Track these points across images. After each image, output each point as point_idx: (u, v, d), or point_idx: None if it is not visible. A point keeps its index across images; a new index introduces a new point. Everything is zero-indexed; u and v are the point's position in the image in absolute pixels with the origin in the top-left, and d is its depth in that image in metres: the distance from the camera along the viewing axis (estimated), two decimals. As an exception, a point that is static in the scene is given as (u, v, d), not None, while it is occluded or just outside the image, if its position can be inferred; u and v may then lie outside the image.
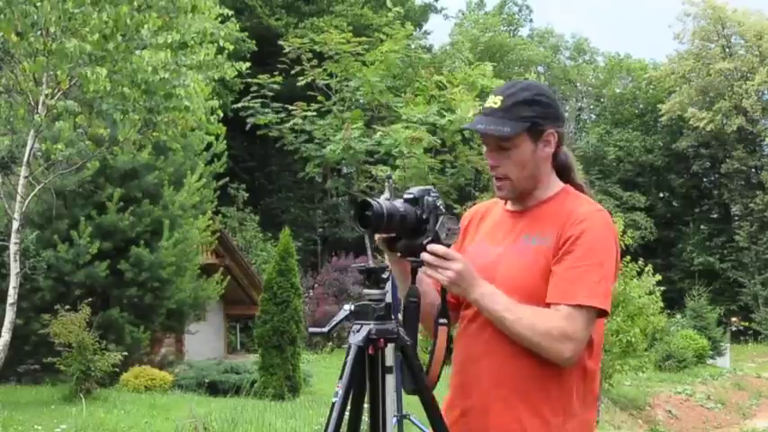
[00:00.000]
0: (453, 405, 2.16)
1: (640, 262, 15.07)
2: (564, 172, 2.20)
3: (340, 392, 1.89)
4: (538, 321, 1.94)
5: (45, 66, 7.44)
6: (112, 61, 7.51)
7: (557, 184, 2.17)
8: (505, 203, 2.18)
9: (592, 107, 50.08)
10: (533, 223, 2.09)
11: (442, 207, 2.03)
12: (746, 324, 35.10)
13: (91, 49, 7.20)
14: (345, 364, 1.91)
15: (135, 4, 7.50)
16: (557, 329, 1.92)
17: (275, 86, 8.34)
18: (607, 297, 1.98)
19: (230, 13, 8.77)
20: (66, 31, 7.37)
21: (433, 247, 1.94)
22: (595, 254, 2.00)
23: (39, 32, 7.50)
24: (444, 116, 8.12)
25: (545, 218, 2.08)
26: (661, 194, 44.19)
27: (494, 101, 2.04)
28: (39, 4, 7.14)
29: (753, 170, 40.32)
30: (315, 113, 8.43)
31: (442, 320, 2.04)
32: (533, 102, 2.04)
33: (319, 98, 8.60)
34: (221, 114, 9.67)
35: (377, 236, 2.01)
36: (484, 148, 2.13)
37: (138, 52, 7.78)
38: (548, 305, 1.95)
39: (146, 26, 7.45)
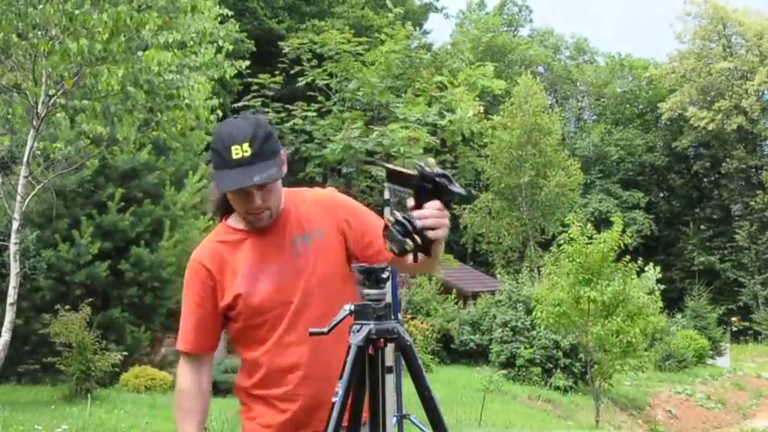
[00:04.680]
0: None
1: (640, 261, 15.07)
2: None
3: (340, 392, 1.89)
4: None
5: (54, 66, 7.44)
6: (114, 61, 7.51)
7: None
8: (233, 232, 2.25)
9: (592, 106, 50.08)
10: (294, 228, 2.22)
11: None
12: (746, 324, 35.10)
13: (100, 48, 7.21)
14: (345, 364, 1.91)
15: (135, 4, 7.50)
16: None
17: (275, 86, 8.35)
18: None
19: (230, 13, 8.75)
20: (65, 31, 7.37)
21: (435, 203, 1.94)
22: (358, 205, 2.33)
23: (39, 34, 7.50)
24: (445, 116, 8.13)
25: (300, 220, 2.24)
26: (662, 194, 44.21)
27: (243, 150, 2.04)
28: (40, 6, 7.15)
29: (753, 170, 40.33)
30: (315, 113, 8.45)
31: None
32: (269, 135, 2.11)
33: (319, 98, 8.61)
34: (221, 114, 9.66)
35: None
36: (230, 194, 2.13)
37: (139, 53, 7.78)
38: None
39: (146, 26, 7.45)
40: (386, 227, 1.92)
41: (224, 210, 2.29)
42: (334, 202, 2.30)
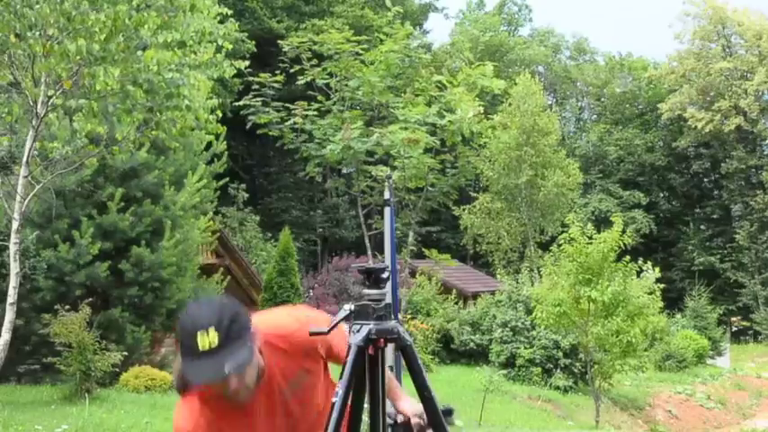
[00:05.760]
0: None
1: (640, 261, 15.06)
2: None
3: (340, 392, 1.89)
4: None
5: (51, 66, 7.43)
6: (112, 61, 7.50)
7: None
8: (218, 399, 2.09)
9: (592, 106, 50.07)
10: (281, 382, 2.15)
11: None
12: (746, 324, 35.10)
13: (98, 48, 7.20)
14: (345, 363, 1.91)
15: (134, 3, 7.50)
16: None
17: (275, 86, 8.34)
18: None
19: (229, 12, 8.75)
20: (63, 31, 7.36)
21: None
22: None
23: (37, 34, 7.49)
24: (444, 116, 8.12)
25: (279, 370, 2.14)
26: (662, 194, 44.19)
27: (210, 341, 1.90)
28: (36, 6, 7.13)
29: (753, 170, 40.31)
30: (315, 113, 8.44)
31: None
32: (236, 315, 1.98)
33: (319, 98, 8.60)
34: (221, 114, 9.65)
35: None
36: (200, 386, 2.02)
37: (139, 53, 7.77)
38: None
39: (145, 26, 7.44)
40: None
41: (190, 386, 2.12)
42: (304, 341, 2.12)
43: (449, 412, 1.99)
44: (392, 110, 8.38)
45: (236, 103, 8.98)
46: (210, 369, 1.90)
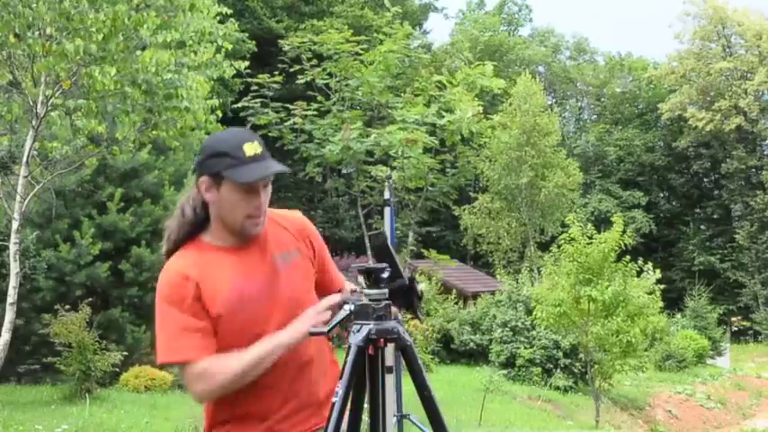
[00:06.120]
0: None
1: (640, 261, 15.06)
2: None
3: (340, 392, 1.89)
4: None
5: (50, 66, 7.43)
6: (111, 61, 7.50)
7: None
8: (213, 249, 2.15)
9: (592, 106, 50.07)
10: (273, 246, 2.20)
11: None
12: (747, 324, 35.10)
13: (95, 48, 7.19)
14: (345, 364, 1.91)
15: (133, 2, 7.49)
16: None
17: (275, 86, 8.33)
18: None
19: (229, 12, 8.75)
20: (62, 31, 7.36)
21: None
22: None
23: (36, 33, 7.49)
24: (443, 116, 8.11)
25: (278, 238, 2.22)
26: (662, 194, 44.20)
27: (256, 148, 2.08)
28: (34, 5, 7.13)
29: (753, 170, 40.31)
30: (315, 113, 8.43)
31: None
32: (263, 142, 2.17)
33: (319, 98, 8.60)
34: (221, 114, 9.65)
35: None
36: (236, 196, 2.08)
37: (138, 52, 7.77)
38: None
39: (145, 25, 7.44)
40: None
41: (195, 231, 2.18)
42: (305, 227, 2.32)
43: (412, 279, 2.03)
44: (391, 110, 8.37)
45: (236, 105, 8.97)
46: (261, 168, 2.06)
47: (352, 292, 2.08)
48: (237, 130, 2.15)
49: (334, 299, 2.10)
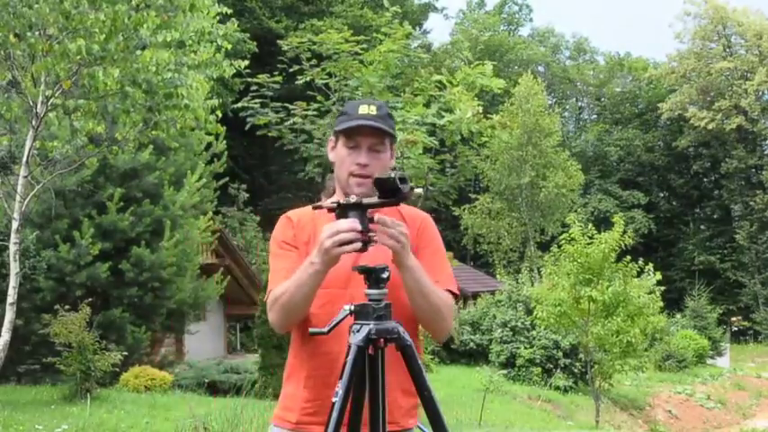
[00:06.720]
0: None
1: (641, 261, 15.06)
2: None
3: (340, 392, 1.89)
4: (443, 297, 2.15)
5: (50, 66, 7.42)
6: (111, 61, 7.50)
7: None
8: (328, 211, 2.12)
9: (592, 106, 50.08)
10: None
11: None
12: (746, 324, 35.11)
13: (97, 48, 7.19)
14: (345, 364, 1.91)
15: (133, 2, 7.49)
16: (452, 307, 2.20)
17: (275, 86, 8.33)
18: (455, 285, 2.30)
19: (229, 11, 8.74)
20: (62, 30, 7.36)
21: (383, 217, 1.99)
22: (441, 248, 2.35)
23: (37, 33, 7.49)
24: (443, 116, 8.11)
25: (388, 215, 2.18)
26: (661, 194, 44.20)
27: (369, 109, 2.20)
28: (36, 5, 7.13)
29: (753, 170, 40.33)
30: (314, 113, 8.43)
31: None
32: (391, 117, 2.28)
33: (318, 98, 8.60)
34: (220, 114, 9.65)
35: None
36: (343, 151, 2.19)
37: (138, 52, 7.77)
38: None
39: (145, 25, 7.44)
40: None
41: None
42: (425, 228, 2.30)
43: (403, 180, 1.94)
44: (390, 110, 8.38)
45: (236, 105, 8.97)
46: (361, 121, 2.16)
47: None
48: (367, 99, 2.26)
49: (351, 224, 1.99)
